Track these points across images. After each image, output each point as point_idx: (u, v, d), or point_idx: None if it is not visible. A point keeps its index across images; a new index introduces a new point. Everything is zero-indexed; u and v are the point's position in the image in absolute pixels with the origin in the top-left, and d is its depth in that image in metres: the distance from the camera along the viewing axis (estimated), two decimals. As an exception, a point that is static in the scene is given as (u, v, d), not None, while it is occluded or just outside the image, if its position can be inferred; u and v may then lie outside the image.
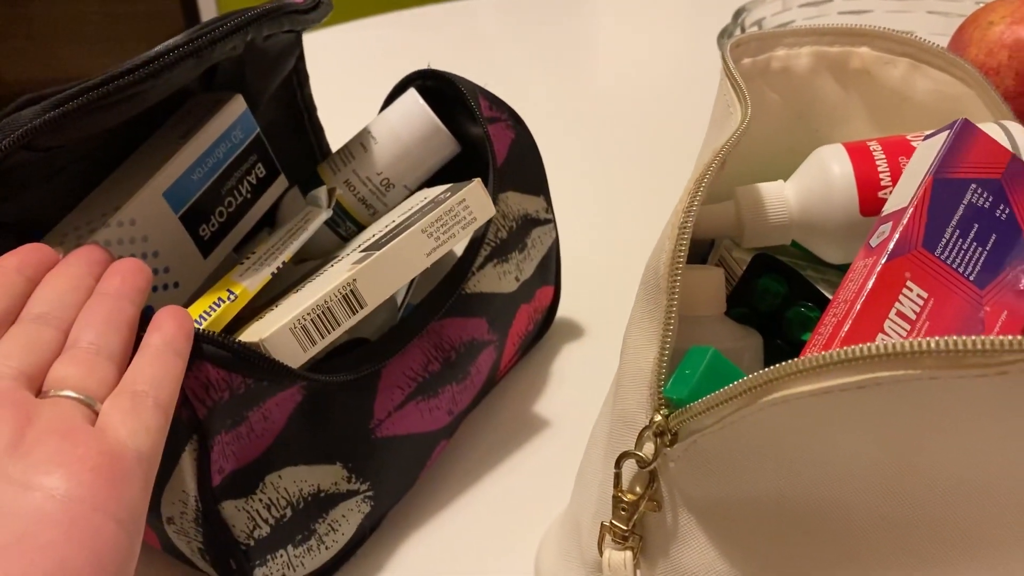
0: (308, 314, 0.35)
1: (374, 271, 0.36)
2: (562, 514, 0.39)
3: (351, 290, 0.36)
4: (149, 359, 0.30)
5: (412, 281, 0.44)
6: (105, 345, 0.30)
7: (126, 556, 0.26)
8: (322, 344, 0.35)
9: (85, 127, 0.34)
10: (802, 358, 0.25)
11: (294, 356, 0.34)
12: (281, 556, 0.36)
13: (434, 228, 0.37)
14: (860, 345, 0.24)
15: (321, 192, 0.45)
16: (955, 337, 0.23)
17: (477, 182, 0.39)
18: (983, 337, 0.23)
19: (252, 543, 0.35)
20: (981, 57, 0.47)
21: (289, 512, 0.36)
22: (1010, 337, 0.23)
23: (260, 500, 0.35)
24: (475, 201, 0.39)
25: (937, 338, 0.23)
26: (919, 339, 0.23)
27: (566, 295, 0.55)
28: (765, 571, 0.30)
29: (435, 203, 0.39)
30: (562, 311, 0.55)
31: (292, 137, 0.51)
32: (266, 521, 0.35)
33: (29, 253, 0.32)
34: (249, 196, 0.44)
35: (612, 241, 0.62)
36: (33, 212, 0.38)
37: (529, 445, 0.46)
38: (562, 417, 0.48)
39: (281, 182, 0.46)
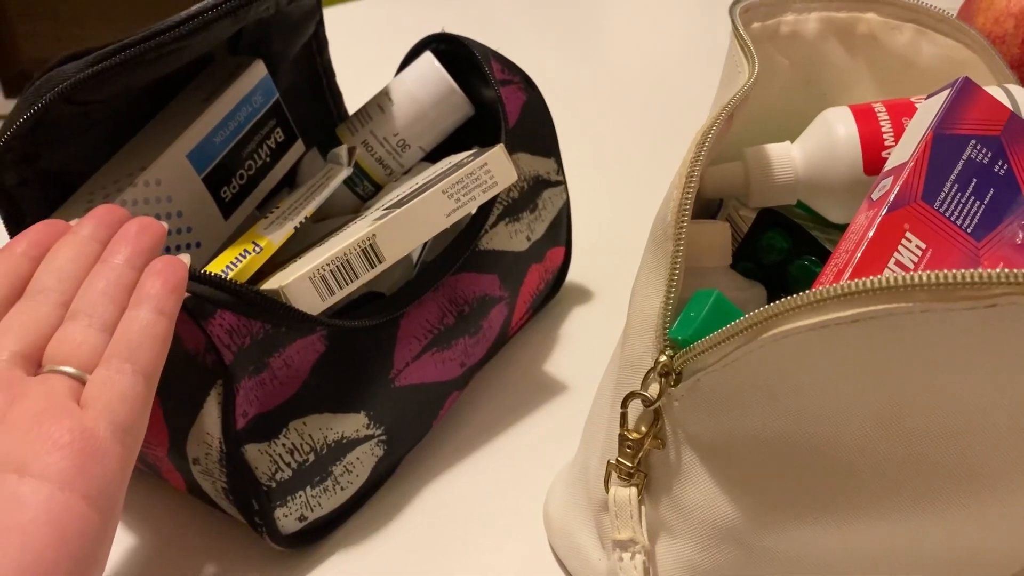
0: (327, 265, 0.36)
1: (394, 228, 0.38)
2: (570, 462, 0.41)
3: (370, 244, 0.37)
4: (130, 322, 0.30)
5: (428, 240, 0.45)
6: (99, 316, 0.30)
7: (96, 534, 0.26)
8: (340, 295, 0.36)
9: (125, 82, 0.36)
10: (800, 294, 0.26)
11: (312, 304, 0.36)
12: (300, 496, 0.37)
13: (455, 190, 0.39)
14: (856, 280, 0.25)
15: (342, 151, 0.46)
16: (946, 271, 0.24)
17: (500, 147, 0.40)
18: (973, 270, 0.24)
19: (274, 485, 0.36)
20: (988, 25, 0.47)
21: (312, 457, 0.37)
22: (999, 270, 0.24)
23: (283, 445, 0.36)
24: (497, 166, 0.40)
25: (929, 272, 0.24)
26: (912, 273, 0.24)
27: (577, 257, 0.57)
28: (764, 507, 0.31)
29: (458, 166, 0.40)
30: (573, 273, 0.56)
31: (311, 101, 0.53)
32: (288, 465, 0.37)
33: (38, 233, 0.32)
34: (268, 160, 0.46)
35: (623, 205, 0.63)
36: (69, 163, 0.39)
37: (539, 400, 0.48)
38: (572, 374, 0.49)
39: (299, 147, 0.48)
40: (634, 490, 0.32)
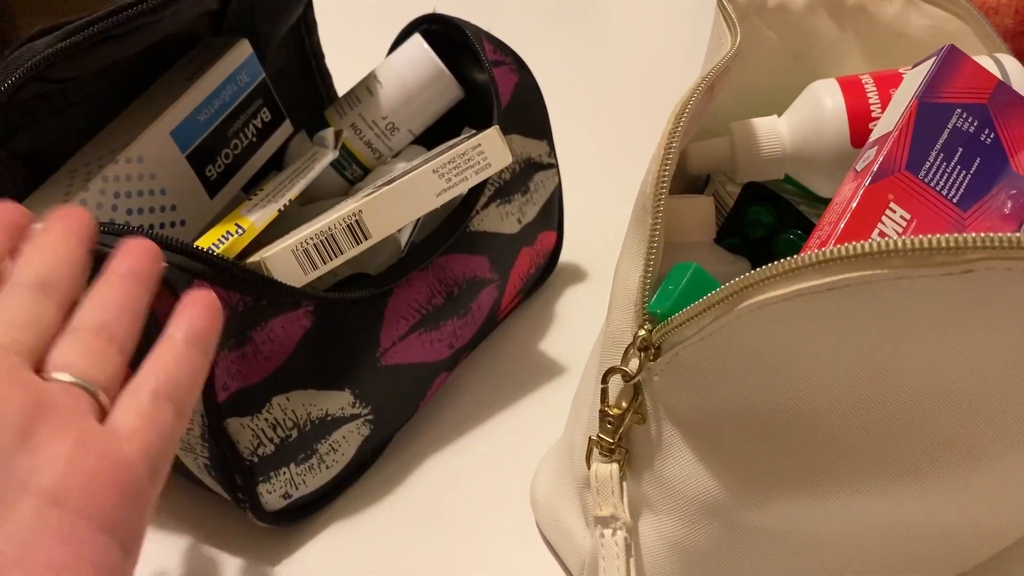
0: (312, 238, 0.36)
1: (381, 204, 0.37)
2: (557, 442, 0.40)
3: (356, 220, 0.37)
4: (172, 356, 0.27)
5: (417, 222, 0.45)
6: (117, 333, 0.26)
7: None
8: (323, 269, 0.36)
9: (97, 58, 0.36)
10: (776, 263, 0.26)
11: (294, 277, 0.36)
12: (284, 473, 0.37)
13: (446, 170, 0.38)
14: (831, 247, 0.25)
15: (328, 133, 0.46)
16: (921, 236, 0.24)
17: (495, 129, 0.40)
18: (948, 235, 0.24)
19: (256, 459, 0.36)
20: (982, -3, 0.47)
21: (295, 433, 0.37)
22: (975, 235, 0.23)
23: (266, 419, 0.36)
24: (491, 148, 0.39)
25: (904, 237, 0.24)
26: (887, 239, 0.24)
27: (569, 241, 0.56)
28: (745, 481, 0.31)
29: (450, 146, 0.40)
30: (565, 257, 0.56)
31: (301, 83, 0.52)
32: (271, 440, 0.37)
33: (5, 211, 0.28)
34: (255, 140, 0.46)
35: (616, 188, 0.63)
36: (45, 145, 0.39)
37: (528, 382, 0.47)
38: (561, 357, 0.49)
39: (286, 127, 0.47)
40: (615, 466, 0.32)
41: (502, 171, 0.46)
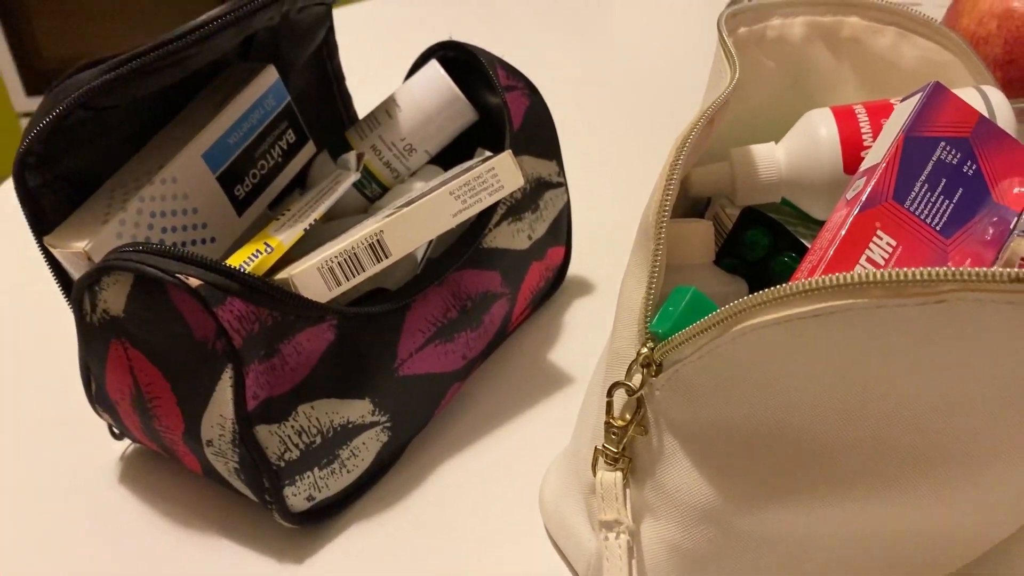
0: (336, 257, 0.38)
1: (401, 225, 0.40)
2: (564, 449, 0.43)
3: (377, 240, 0.39)
4: None
5: (433, 239, 0.48)
6: None
7: None
8: (346, 286, 0.39)
9: (137, 88, 0.38)
10: (767, 290, 0.28)
11: (319, 293, 0.38)
12: (308, 477, 0.40)
13: (462, 192, 0.41)
14: (817, 277, 0.27)
15: (351, 156, 0.48)
16: (899, 269, 0.26)
17: (508, 153, 0.42)
18: (923, 269, 0.26)
19: (283, 464, 0.39)
20: (972, 26, 0.49)
21: (319, 439, 0.40)
22: (947, 268, 0.26)
23: (292, 427, 0.39)
24: (504, 171, 0.42)
25: (883, 270, 0.26)
26: (867, 271, 0.26)
27: (577, 256, 0.59)
28: (741, 490, 0.33)
29: (466, 169, 0.43)
30: (572, 271, 0.58)
31: (322, 105, 0.55)
32: (297, 446, 0.39)
33: None
34: (280, 160, 0.48)
35: (623, 205, 0.65)
36: (86, 167, 0.42)
37: (537, 392, 0.50)
38: (568, 368, 0.51)
39: (309, 148, 0.50)
40: (619, 474, 0.34)
41: (513, 191, 0.49)
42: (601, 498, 0.34)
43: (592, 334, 0.53)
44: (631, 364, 0.34)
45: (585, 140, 0.72)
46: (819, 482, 0.32)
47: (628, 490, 0.35)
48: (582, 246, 0.60)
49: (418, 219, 0.40)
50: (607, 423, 0.34)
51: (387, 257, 0.40)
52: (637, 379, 0.33)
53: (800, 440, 0.31)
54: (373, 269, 0.39)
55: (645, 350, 0.33)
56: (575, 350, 0.52)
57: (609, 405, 0.34)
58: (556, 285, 0.55)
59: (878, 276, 0.26)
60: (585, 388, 0.50)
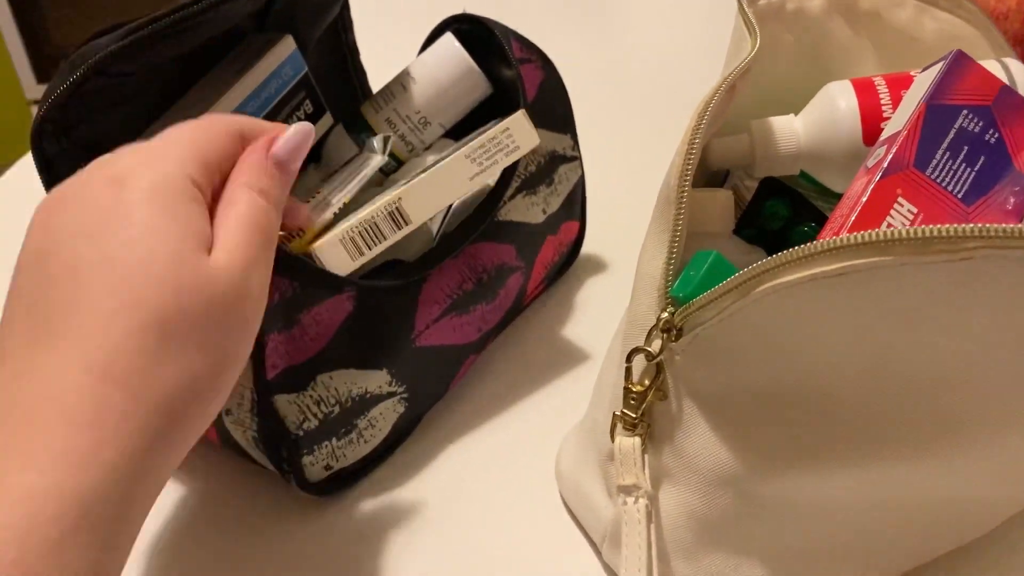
0: (356, 227, 0.38)
1: (419, 191, 0.40)
2: (580, 420, 0.43)
3: (396, 207, 0.39)
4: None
5: (448, 210, 0.47)
6: None
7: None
8: (369, 255, 0.39)
9: (153, 54, 0.38)
10: (791, 250, 0.28)
11: (343, 264, 0.38)
12: (326, 447, 0.40)
13: (477, 154, 0.40)
14: (840, 236, 0.27)
15: (378, 140, 0.48)
16: (924, 226, 0.26)
17: (521, 113, 0.42)
18: (948, 226, 0.26)
19: (301, 434, 0.39)
20: (992, 2, 0.49)
21: (337, 409, 0.40)
22: (973, 225, 0.26)
23: (311, 396, 0.39)
24: (518, 130, 0.41)
25: (908, 227, 0.26)
26: (891, 229, 0.26)
27: (591, 231, 0.59)
28: (760, 455, 0.33)
29: (480, 132, 0.42)
30: (587, 246, 0.58)
31: (337, 79, 0.55)
32: (315, 415, 0.39)
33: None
34: None
35: (637, 181, 0.65)
36: (103, 136, 0.42)
37: (552, 364, 0.50)
38: (583, 340, 0.51)
39: (327, 119, 0.50)
40: (637, 439, 0.34)
41: (527, 163, 0.49)
42: (619, 463, 0.34)
43: (605, 307, 0.53)
44: (651, 329, 0.33)
45: (598, 114, 0.72)
46: (840, 447, 0.32)
47: (646, 455, 0.35)
48: (595, 224, 0.59)
49: (436, 184, 0.40)
50: (626, 388, 0.34)
51: (407, 224, 0.40)
52: (657, 344, 0.33)
53: (821, 403, 0.31)
54: (394, 237, 0.39)
55: (665, 315, 0.33)
56: (589, 323, 0.52)
57: (628, 371, 0.34)
58: (570, 261, 0.55)
59: (903, 233, 0.26)
60: (599, 359, 0.50)
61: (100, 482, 0.24)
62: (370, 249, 0.39)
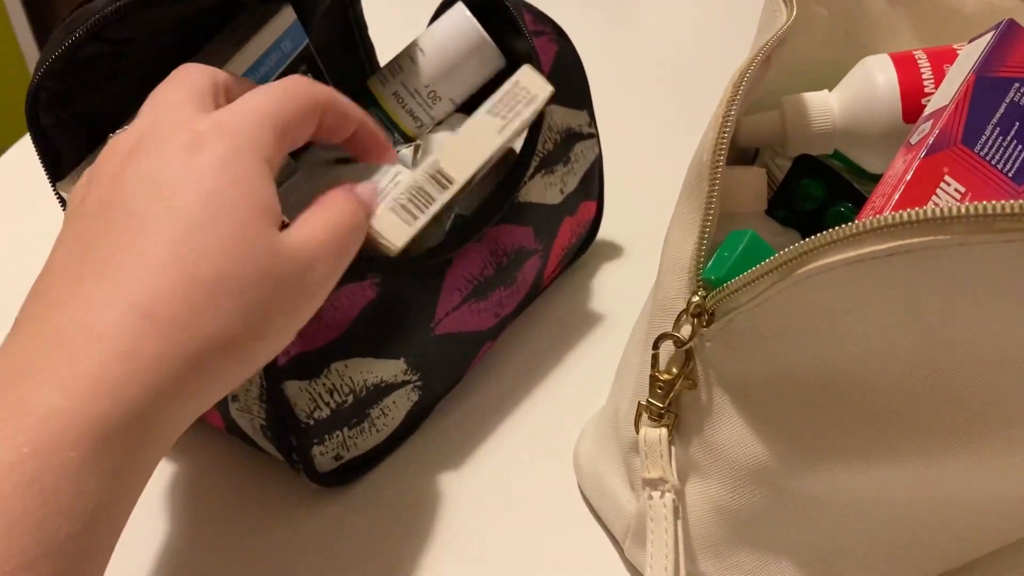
0: (404, 195, 0.37)
1: (454, 150, 0.38)
2: (600, 409, 0.41)
3: (437, 169, 0.38)
4: None
5: (475, 175, 0.46)
6: None
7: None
8: (423, 219, 0.37)
9: (151, 17, 0.36)
10: (836, 228, 0.26)
11: (401, 232, 0.36)
12: (337, 436, 0.38)
13: (498, 108, 0.39)
14: (891, 213, 0.25)
15: (409, 151, 0.46)
16: (985, 203, 0.24)
17: (526, 66, 0.40)
18: (1013, 202, 0.24)
19: (312, 422, 0.37)
20: (1034, -25, 0.46)
21: (351, 399, 0.38)
22: (1040, 202, 0.24)
23: (324, 385, 0.37)
24: (530, 81, 0.40)
25: (967, 203, 0.24)
26: (949, 205, 0.24)
27: (609, 213, 0.57)
28: (794, 448, 0.31)
29: (494, 94, 0.41)
30: (604, 228, 0.56)
31: (344, 54, 0.53)
32: (327, 404, 0.37)
33: None
34: None
35: (657, 161, 0.63)
36: (101, 108, 0.40)
37: (569, 350, 0.48)
38: (601, 326, 0.49)
39: None
40: (664, 430, 0.32)
41: (545, 142, 0.46)
42: (645, 455, 0.32)
43: (624, 292, 0.51)
44: (680, 314, 0.32)
45: (615, 92, 0.70)
46: (879, 440, 0.30)
47: (673, 448, 0.33)
48: (612, 206, 0.57)
49: (468, 141, 0.39)
50: (652, 377, 0.32)
51: (451, 184, 0.38)
52: (686, 330, 0.31)
53: (863, 395, 0.29)
54: (441, 198, 0.38)
55: (696, 298, 0.31)
56: (607, 308, 0.50)
57: (655, 358, 0.32)
58: (587, 243, 0.53)
59: (962, 210, 0.24)
60: (618, 345, 0.48)
61: (123, 413, 0.24)
62: (423, 213, 0.37)
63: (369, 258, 0.37)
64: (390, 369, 0.39)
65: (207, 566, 0.38)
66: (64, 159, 0.39)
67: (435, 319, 0.41)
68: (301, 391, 0.36)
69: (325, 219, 0.30)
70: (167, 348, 0.25)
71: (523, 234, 0.45)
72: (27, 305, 0.26)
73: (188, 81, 0.31)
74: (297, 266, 0.28)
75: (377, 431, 0.40)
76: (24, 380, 0.24)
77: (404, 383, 0.40)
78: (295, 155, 0.49)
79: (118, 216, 0.27)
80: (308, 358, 0.36)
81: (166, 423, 0.26)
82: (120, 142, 0.29)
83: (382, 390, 0.39)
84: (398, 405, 0.40)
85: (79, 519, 0.23)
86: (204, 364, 0.26)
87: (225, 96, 0.32)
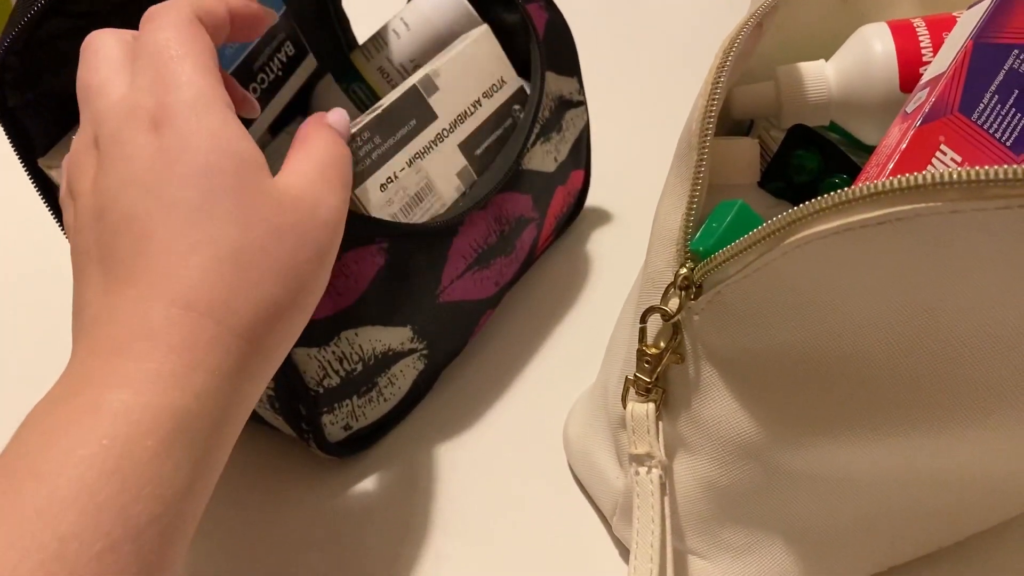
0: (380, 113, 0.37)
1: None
2: (590, 385, 0.40)
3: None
4: None
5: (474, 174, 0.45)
6: None
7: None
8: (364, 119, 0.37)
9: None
10: (825, 196, 0.25)
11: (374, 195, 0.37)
12: (347, 405, 0.38)
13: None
14: (882, 180, 0.24)
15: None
16: (978, 168, 0.23)
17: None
18: (1007, 167, 0.23)
19: (321, 391, 0.37)
20: (1038, -58, 0.45)
21: (360, 367, 0.38)
22: (1035, 168, 0.23)
23: (333, 352, 0.36)
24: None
25: (960, 169, 0.23)
26: (941, 171, 0.23)
27: (598, 181, 0.56)
28: (784, 423, 0.30)
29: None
30: (594, 199, 0.55)
31: (318, 27, 0.52)
32: (337, 372, 0.37)
33: None
34: (280, 74, 0.45)
35: (645, 130, 0.62)
36: (70, 89, 0.39)
37: (562, 323, 0.48)
38: (593, 298, 0.49)
39: (310, 61, 0.47)
40: (651, 405, 0.32)
41: (543, 108, 0.46)
42: (632, 431, 0.32)
43: (616, 262, 0.51)
44: (668, 287, 0.31)
45: (602, 60, 0.69)
46: (870, 414, 0.29)
47: (661, 423, 0.32)
48: (601, 171, 0.57)
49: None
50: (640, 351, 0.32)
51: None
52: (674, 303, 0.31)
53: (853, 369, 0.29)
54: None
55: (684, 271, 0.30)
56: (599, 279, 0.50)
57: (642, 332, 0.32)
58: (575, 213, 0.53)
59: (956, 176, 0.23)
60: (609, 317, 0.47)
61: (193, 401, 0.25)
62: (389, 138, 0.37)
63: (377, 222, 0.36)
64: (397, 337, 0.39)
65: (215, 541, 0.38)
66: (35, 141, 0.38)
67: (440, 286, 0.40)
68: (310, 358, 0.36)
69: (310, 156, 0.30)
70: (218, 330, 0.26)
71: (524, 202, 0.45)
72: (74, 327, 0.27)
73: (101, 57, 0.30)
74: (306, 208, 0.28)
75: (385, 400, 0.40)
76: (94, 386, 0.24)
77: (411, 351, 0.40)
78: (273, 132, 0.49)
79: (118, 222, 0.27)
80: (318, 325, 0.36)
81: (235, 400, 0.26)
82: (80, 145, 0.29)
83: (390, 358, 0.39)
84: (404, 374, 0.40)
85: (159, 503, 0.24)
86: (256, 333, 0.26)
87: (134, 39, 0.31)
